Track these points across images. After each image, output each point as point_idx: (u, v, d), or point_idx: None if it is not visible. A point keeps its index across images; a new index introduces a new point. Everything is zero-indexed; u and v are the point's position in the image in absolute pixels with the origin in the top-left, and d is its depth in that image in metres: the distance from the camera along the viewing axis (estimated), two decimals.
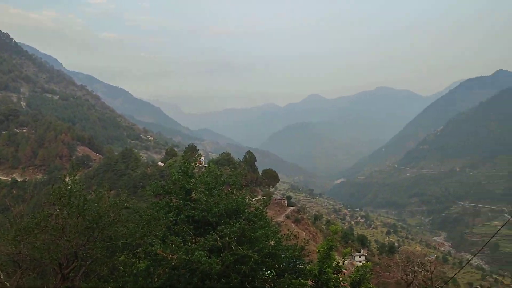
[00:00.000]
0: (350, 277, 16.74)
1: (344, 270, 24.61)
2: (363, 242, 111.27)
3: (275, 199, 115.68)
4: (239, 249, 12.69)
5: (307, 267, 16.00)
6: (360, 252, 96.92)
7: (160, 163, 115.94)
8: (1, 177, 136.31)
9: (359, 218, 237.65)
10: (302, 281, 15.22)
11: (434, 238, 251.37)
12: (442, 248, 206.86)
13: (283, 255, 15.09)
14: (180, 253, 11.94)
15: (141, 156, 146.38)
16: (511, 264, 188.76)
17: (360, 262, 76.04)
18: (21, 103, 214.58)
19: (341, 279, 16.96)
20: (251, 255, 12.68)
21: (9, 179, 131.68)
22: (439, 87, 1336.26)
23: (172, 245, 12.37)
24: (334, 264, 16.36)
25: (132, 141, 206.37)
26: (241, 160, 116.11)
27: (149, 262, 13.49)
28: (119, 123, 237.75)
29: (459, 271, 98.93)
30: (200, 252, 11.79)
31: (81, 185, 14.75)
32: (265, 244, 13.86)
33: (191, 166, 16.01)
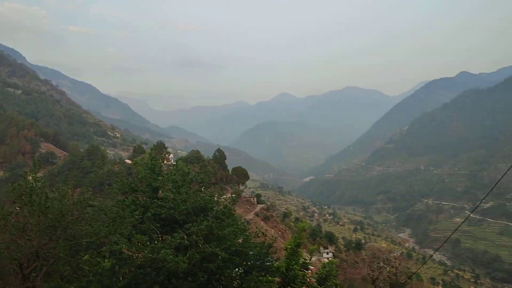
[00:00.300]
0: (317, 273, 16.94)
1: (312, 267, 24.92)
2: (330, 239, 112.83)
3: (245, 197, 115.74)
4: (206, 247, 12.65)
5: (275, 264, 16.08)
6: (327, 249, 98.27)
7: (128, 161, 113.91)
8: None
9: (327, 215, 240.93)
10: (270, 278, 15.29)
11: (399, 234, 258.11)
12: (407, 244, 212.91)
13: (251, 253, 15.10)
14: (146, 251, 11.79)
15: (108, 153, 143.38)
16: (472, 259, 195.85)
17: (328, 258, 77.17)
18: None
19: (308, 275, 17.14)
20: (219, 253, 12.66)
21: None
22: (405, 88, 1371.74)
23: (138, 244, 12.18)
24: (301, 261, 16.50)
25: (98, 138, 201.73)
26: (211, 158, 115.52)
27: (114, 261, 13.25)
28: (85, 119, 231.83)
29: (421, 266, 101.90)
30: (166, 250, 11.67)
31: (43, 183, 14.30)
32: (233, 241, 13.85)
33: (158, 163, 15.81)
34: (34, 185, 13.72)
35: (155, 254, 11.66)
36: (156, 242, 12.94)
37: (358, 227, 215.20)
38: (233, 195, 17.97)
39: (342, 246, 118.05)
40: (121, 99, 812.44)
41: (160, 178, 15.25)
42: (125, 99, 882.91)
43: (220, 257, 12.77)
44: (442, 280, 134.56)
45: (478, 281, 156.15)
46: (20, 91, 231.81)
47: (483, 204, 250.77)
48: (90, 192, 15.85)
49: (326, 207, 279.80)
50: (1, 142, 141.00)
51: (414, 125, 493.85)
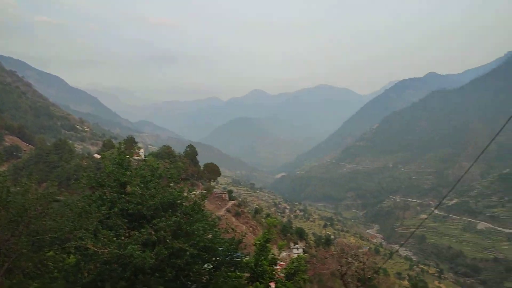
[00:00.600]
0: (286, 269, 17.08)
1: (281, 263, 25.13)
2: (301, 234, 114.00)
3: (216, 193, 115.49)
4: (174, 242, 12.55)
5: (244, 260, 16.11)
6: (298, 244, 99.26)
7: (97, 155, 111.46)
8: None
9: (298, 211, 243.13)
10: (239, 273, 15.33)
11: (368, 230, 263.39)
12: (375, 240, 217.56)
13: (220, 248, 15.08)
14: (112, 247, 11.58)
15: (76, 147, 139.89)
16: (436, 254, 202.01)
17: (297, 254, 77.97)
18: None
19: (278, 270, 17.25)
20: (187, 248, 12.57)
21: None
22: (376, 87, 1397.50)
23: (104, 239, 11.95)
24: (270, 256, 16.60)
25: (66, 132, 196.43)
26: (182, 153, 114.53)
27: (79, 257, 12.97)
28: (53, 112, 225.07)
29: (386, 261, 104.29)
30: (133, 246, 11.50)
31: (5, 177, 13.82)
32: (202, 237, 13.77)
33: (127, 158, 15.54)
34: None
35: (122, 250, 11.48)
36: (123, 237, 12.73)
37: (328, 223, 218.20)
38: (204, 191, 17.89)
39: (312, 242, 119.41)
40: (91, 92, 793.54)
41: (128, 173, 14.99)
42: (95, 93, 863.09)
43: (188, 253, 12.68)
44: (408, 275, 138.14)
45: (442, 275, 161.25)
46: None
47: (448, 202, 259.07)
48: (55, 187, 15.42)
49: (297, 203, 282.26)
50: None
51: (384, 123, 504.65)
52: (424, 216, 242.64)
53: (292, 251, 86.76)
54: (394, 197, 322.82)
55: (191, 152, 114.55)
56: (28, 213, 12.79)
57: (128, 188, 14.60)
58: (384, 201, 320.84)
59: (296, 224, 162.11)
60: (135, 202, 13.61)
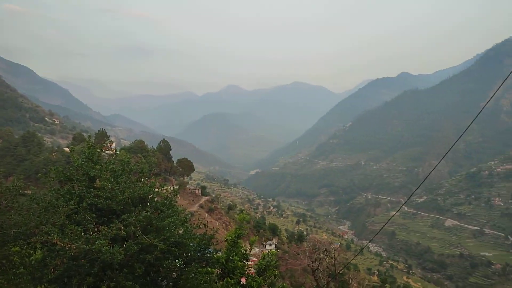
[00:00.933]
0: (257, 264, 17.13)
1: (254, 259, 25.20)
2: (274, 231, 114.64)
3: (190, 189, 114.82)
4: (144, 238, 12.39)
5: (215, 256, 16.08)
6: (270, 240, 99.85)
7: (67, 149, 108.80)
8: None
9: (271, 207, 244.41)
10: (209, 269, 15.27)
11: (339, 227, 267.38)
12: (346, 236, 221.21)
13: (191, 244, 14.99)
14: (80, 242, 11.35)
15: (45, 140, 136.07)
16: (405, 250, 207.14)
17: (269, 250, 78.44)
18: None
19: (250, 266, 17.30)
20: (157, 244, 12.44)
21: None
22: (349, 85, 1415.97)
23: (71, 234, 11.68)
24: (241, 252, 16.61)
25: (35, 124, 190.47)
26: (155, 148, 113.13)
27: (45, 253, 12.65)
28: (21, 103, 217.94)
29: (354, 257, 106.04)
30: (101, 241, 11.30)
31: None
32: (172, 233, 13.65)
33: (97, 152, 15.22)
34: None
35: (90, 245, 11.26)
36: (91, 232, 12.50)
37: (301, 219, 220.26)
38: (176, 187, 17.74)
39: (285, 238, 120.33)
40: (61, 84, 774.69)
41: (98, 167, 14.69)
42: (66, 84, 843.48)
43: (158, 248, 12.54)
44: (378, 270, 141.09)
45: (411, 271, 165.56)
46: None
47: (417, 199, 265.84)
48: (21, 180, 14.99)
49: (270, 199, 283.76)
50: None
51: (357, 121, 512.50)
52: (394, 212, 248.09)
53: (265, 247, 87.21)
54: (366, 194, 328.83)
55: (164, 147, 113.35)
56: None
57: (98, 183, 14.31)
58: (356, 198, 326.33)
59: (269, 220, 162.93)
60: (104, 196, 13.37)
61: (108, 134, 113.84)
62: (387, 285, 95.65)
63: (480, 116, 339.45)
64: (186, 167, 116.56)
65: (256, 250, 72.31)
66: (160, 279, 14.02)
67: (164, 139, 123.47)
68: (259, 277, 16.10)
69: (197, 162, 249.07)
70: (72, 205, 13.12)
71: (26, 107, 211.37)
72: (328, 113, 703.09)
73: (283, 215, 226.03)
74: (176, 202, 16.34)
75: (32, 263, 12.48)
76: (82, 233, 11.85)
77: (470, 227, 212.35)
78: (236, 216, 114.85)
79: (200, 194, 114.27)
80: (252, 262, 18.47)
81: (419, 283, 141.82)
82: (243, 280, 15.86)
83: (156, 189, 15.47)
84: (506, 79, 17.71)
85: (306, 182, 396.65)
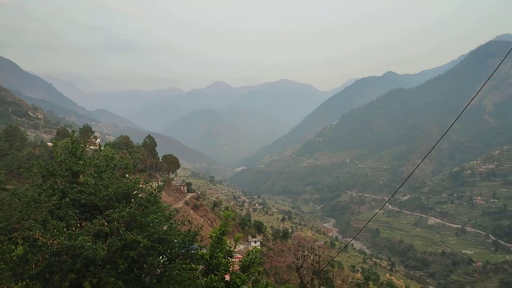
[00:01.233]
0: (241, 261, 17.16)
1: (238, 255, 25.23)
2: (259, 228, 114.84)
3: (175, 185, 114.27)
4: (128, 234, 12.32)
5: (199, 252, 16.07)
6: (256, 238, 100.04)
7: (50, 144, 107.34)
8: None
9: (257, 205, 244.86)
10: (193, 266, 15.26)
11: (324, 224, 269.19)
12: (331, 234, 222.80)
13: (175, 241, 14.95)
14: (62, 238, 11.23)
15: (28, 135, 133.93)
16: (389, 248, 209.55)
17: (254, 247, 78.61)
18: None
19: (235, 262, 17.31)
20: (140, 240, 12.38)
21: None
22: (336, 83, 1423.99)
23: (53, 230, 11.55)
24: (225, 249, 16.63)
25: (18, 119, 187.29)
26: (141, 144, 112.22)
27: (27, 248, 12.48)
28: (4, 97, 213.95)
29: (337, 254, 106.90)
30: (84, 237, 11.20)
31: None
32: (156, 229, 13.60)
33: (80, 147, 15.06)
34: None
35: (72, 241, 11.15)
36: (74, 228, 12.38)
37: (286, 216, 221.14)
38: (161, 183, 17.66)
39: (270, 235, 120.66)
40: (45, 78, 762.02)
41: (81, 162, 14.54)
42: (50, 79, 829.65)
43: (142, 244, 12.49)
44: (362, 267, 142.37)
45: (394, 268, 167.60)
46: None
47: (401, 197, 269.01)
48: (3, 175, 14.78)
49: (256, 197, 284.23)
50: None
51: (343, 120, 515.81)
52: (378, 210, 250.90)
53: (250, 244, 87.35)
54: (351, 192, 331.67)
55: (149, 143, 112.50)
56: None
57: (81, 178, 14.17)
58: (341, 196, 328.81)
59: (254, 217, 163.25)
60: (87, 192, 13.25)
61: (93, 130, 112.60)
62: (370, 282, 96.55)
63: (464, 116, 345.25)
64: (172, 163, 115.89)
65: (241, 247, 72.35)
66: (143, 275, 13.95)
67: (149, 135, 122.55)
68: (243, 273, 16.15)
69: (183, 159, 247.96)
70: (55, 200, 12.98)
71: (9, 101, 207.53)
72: (314, 111, 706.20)
73: (269, 213, 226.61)
74: (161, 198, 16.25)
75: (13, 259, 12.30)
76: (65, 229, 11.72)
77: (452, 225, 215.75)
78: (221, 213, 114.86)
79: (186, 191, 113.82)
80: (236, 259, 18.49)
81: (401, 281, 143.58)
82: (227, 277, 15.89)
83: (141, 185, 15.39)
84: (488, 79, 18.10)
85: (291, 180, 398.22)
